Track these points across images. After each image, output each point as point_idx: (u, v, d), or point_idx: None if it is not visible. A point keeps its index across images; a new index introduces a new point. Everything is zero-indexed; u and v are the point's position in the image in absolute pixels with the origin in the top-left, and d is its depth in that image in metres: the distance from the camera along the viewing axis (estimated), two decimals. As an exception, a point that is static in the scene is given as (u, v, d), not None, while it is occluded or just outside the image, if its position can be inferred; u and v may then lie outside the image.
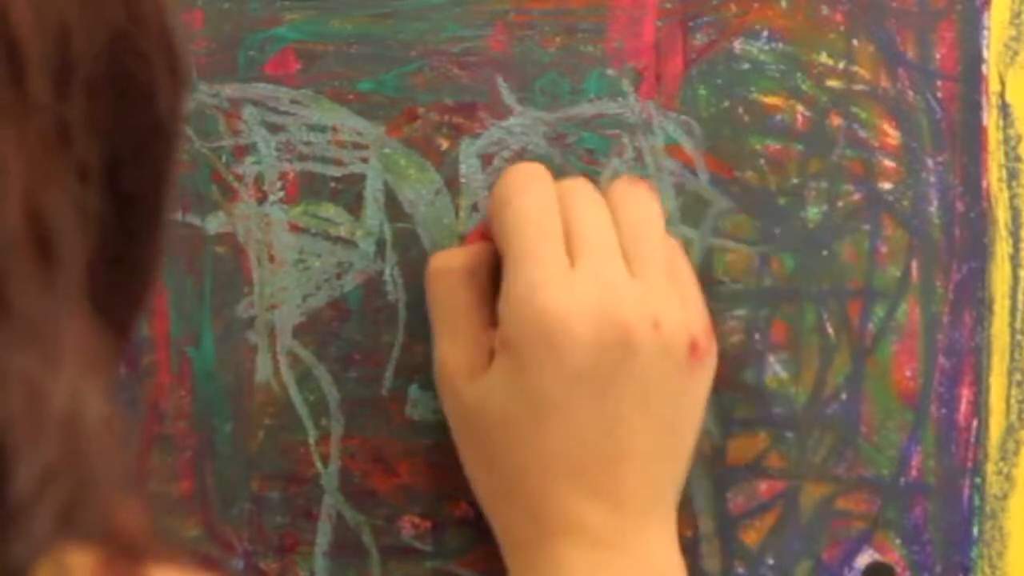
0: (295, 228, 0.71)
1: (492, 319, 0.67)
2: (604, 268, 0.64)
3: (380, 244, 0.71)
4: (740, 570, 0.71)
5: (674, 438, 0.65)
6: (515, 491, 0.65)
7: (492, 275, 0.68)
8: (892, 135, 0.71)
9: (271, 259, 0.71)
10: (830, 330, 0.71)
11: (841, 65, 0.70)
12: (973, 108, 0.70)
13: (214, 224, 0.71)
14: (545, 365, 0.63)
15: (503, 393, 0.65)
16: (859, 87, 0.70)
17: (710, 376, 0.66)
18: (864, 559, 0.71)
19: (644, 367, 0.64)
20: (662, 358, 0.64)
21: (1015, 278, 0.71)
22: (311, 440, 0.71)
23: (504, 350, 0.65)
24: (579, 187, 0.67)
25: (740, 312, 0.71)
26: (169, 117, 0.46)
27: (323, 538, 0.71)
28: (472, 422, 0.66)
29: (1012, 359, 0.71)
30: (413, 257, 0.71)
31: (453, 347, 0.67)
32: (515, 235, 0.65)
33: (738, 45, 0.70)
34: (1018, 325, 0.71)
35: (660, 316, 0.64)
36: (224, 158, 0.71)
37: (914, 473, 0.71)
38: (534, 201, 0.65)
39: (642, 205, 0.67)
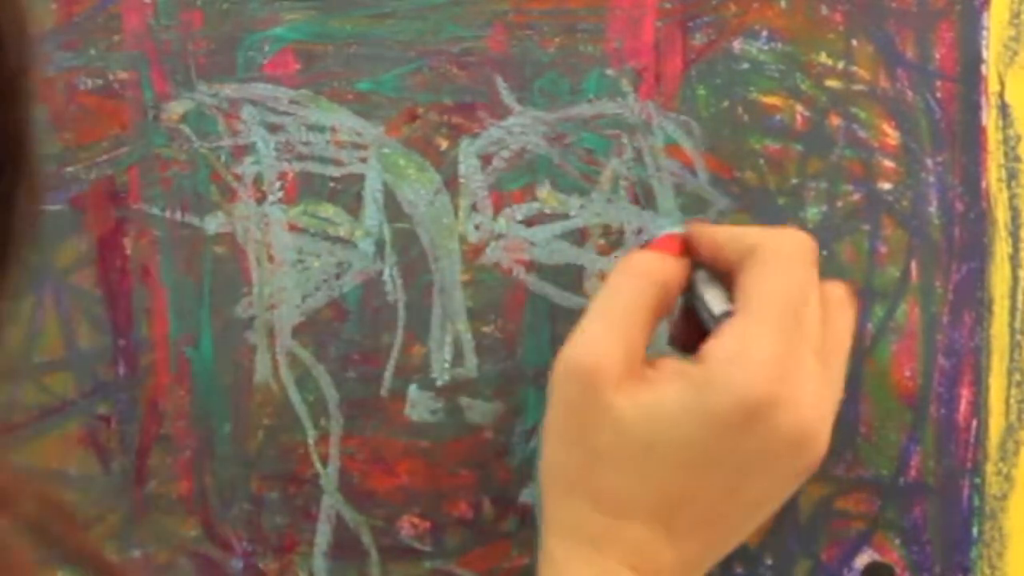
0: (294, 228, 0.71)
1: (650, 339, 0.65)
2: (813, 371, 0.64)
3: (379, 244, 0.71)
4: (739, 570, 0.71)
5: (753, 525, 0.65)
6: (608, 504, 0.64)
7: (676, 297, 0.66)
8: (891, 135, 0.71)
9: (270, 259, 0.71)
10: (829, 330, 0.71)
11: (840, 65, 0.70)
12: (972, 108, 0.70)
13: (213, 224, 0.71)
14: (731, 427, 0.62)
15: (668, 424, 0.63)
16: (858, 87, 0.70)
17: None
18: (863, 559, 0.71)
19: (790, 468, 0.64)
20: (803, 467, 0.64)
21: (1014, 278, 0.71)
22: (310, 440, 0.71)
23: (697, 389, 0.63)
24: (815, 280, 0.66)
25: (739, 312, 0.71)
26: (16, 73, 0.45)
27: (322, 538, 0.71)
28: (603, 427, 0.63)
29: (1011, 359, 0.71)
30: (412, 257, 0.71)
31: (611, 344, 0.64)
32: (770, 299, 0.63)
33: (737, 45, 0.70)
34: (1017, 325, 0.71)
35: (824, 434, 0.64)
36: (223, 158, 0.71)
37: (913, 473, 0.71)
38: (801, 279, 0.64)
39: (848, 319, 0.66)
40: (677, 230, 0.67)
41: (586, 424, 0.64)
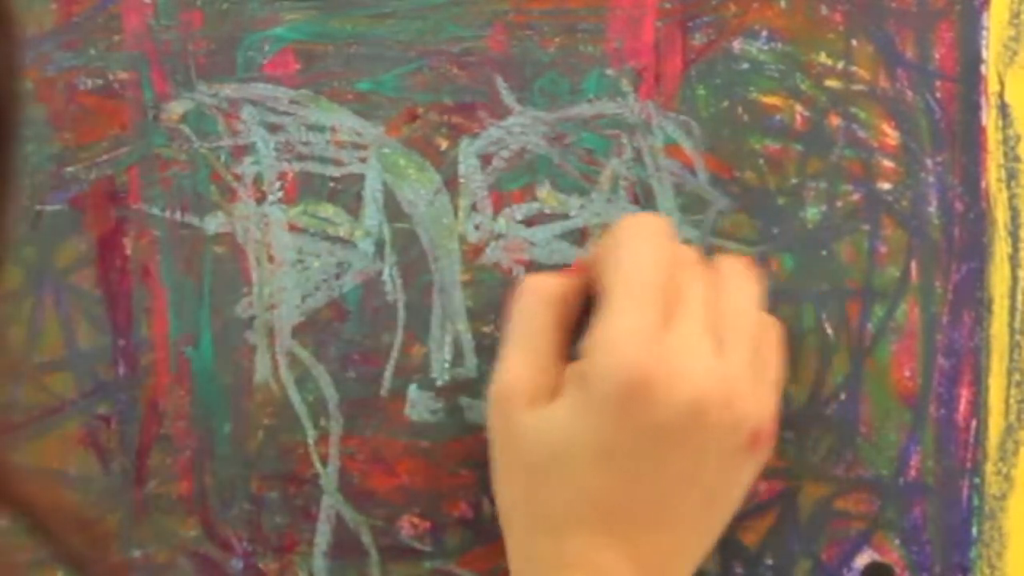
0: (294, 228, 0.71)
1: (566, 352, 0.67)
2: (694, 338, 0.64)
3: (379, 244, 0.71)
4: (739, 570, 0.71)
5: (710, 516, 0.65)
6: (547, 523, 0.64)
7: (580, 310, 0.67)
8: (891, 135, 0.71)
9: (270, 259, 0.71)
10: (829, 330, 0.71)
11: (840, 65, 0.70)
12: (972, 108, 0.70)
13: (213, 224, 0.71)
14: (617, 412, 0.63)
15: (565, 427, 0.64)
16: (858, 87, 0.70)
17: (760, 466, 0.66)
18: (863, 559, 0.71)
19: (706, 442, 0.64)
20: (724, 438, 0.64)
21: (1014, 278, 0.71)
22: (310, 440, 0.71)
23: (578, 386, 0.64)
24: (690, 255, 0.67)
25: (739, 312, 0.71)
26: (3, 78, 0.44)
27: (322, 538, 0.71)
28: (522, 447, 0.65)
29: (1011, 359, 0.71)
30: (412, 257, 0.71)
31: (520, 367, 0.66)
32: (624, 279, 0.64)
33: (737, 45, 0.70)
34: (1017, 325, 0.71)
35: (733, 398, 0.64)
36: (223, 158, 0.71)
37: (913, 473, 0.71)
38: (652, 253, 0.65)
39: (744, 286, 0.66)
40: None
41: (509, 449, 0.66)
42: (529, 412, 0.65)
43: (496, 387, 0.66)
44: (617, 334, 0.63)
